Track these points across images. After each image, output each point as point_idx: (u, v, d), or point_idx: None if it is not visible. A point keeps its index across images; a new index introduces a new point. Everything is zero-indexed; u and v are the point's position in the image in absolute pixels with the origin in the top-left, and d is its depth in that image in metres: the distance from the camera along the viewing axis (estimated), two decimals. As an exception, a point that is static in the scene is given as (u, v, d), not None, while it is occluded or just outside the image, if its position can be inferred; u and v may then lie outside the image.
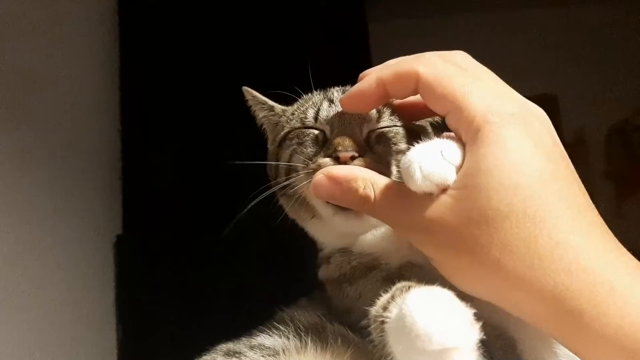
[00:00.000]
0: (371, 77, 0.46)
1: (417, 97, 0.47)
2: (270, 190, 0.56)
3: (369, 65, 0.50)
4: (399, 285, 0.44)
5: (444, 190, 0.41)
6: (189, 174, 1.53)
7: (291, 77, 0.61)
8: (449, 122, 0.43)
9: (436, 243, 0.42)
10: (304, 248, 0.65)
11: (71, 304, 1.32)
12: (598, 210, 0.41)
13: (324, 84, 0.63)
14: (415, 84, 0.44)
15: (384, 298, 0.44)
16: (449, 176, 0.40)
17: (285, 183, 0.55)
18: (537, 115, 0.43)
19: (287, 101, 0.64)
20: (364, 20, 1.68)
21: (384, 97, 0.47)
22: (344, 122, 0.54)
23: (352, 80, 0.54)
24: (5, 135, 1.17)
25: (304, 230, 0.62)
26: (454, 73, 0.43)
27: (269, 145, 0.65)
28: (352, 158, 0.50)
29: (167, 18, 1.59)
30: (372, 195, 0.44)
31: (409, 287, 0.42)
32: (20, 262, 1.17)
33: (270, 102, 0.65)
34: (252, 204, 0.54)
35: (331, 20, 1.61)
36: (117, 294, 1.48)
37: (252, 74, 0.65)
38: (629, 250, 0.40)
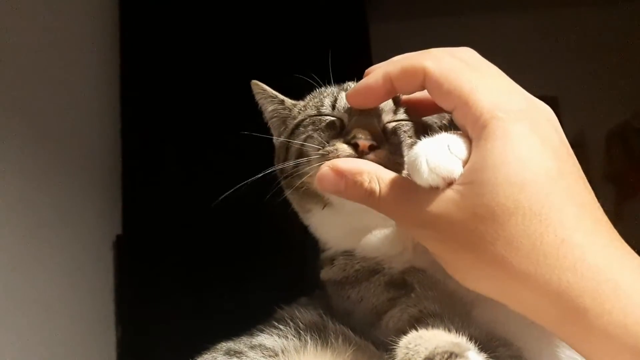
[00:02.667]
0: (378, 72, 0.46)
1: (423, 93, 0.47)
2: (272, 169, 0.56)
3: (370, 66, 0.49)
4: (437, 344, 0.41)
5: (449, 184, 0.41)
6: (189, 174, 1.53)
7: (291, 77, 0.60)
8: (456, 117, 0.43)
9: (441, 238, 0.41)
10: (304, 248, 0.65)
11: (71, 303, 1.32)
12: (600, 211, 0.41)
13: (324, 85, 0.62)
14: (422, 79, 0.43)
15: (419, 349, 0.41)
16: (456, 170, 0.40)
17: (296, 162, 0.54)
18: (544, 113, 0.43)
19: (293, 95, 0.64)
20: (365, 21, 1.68)
21: (390, 93, 0.47)
22: (362, 111, 0.53)
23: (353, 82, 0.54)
24: (5, 136, 1.17)
25: (307, 229, 0.61)
26: (461, 69, 0.42)
27: (274, 140, 0.65)
28: (371, 147, 0.49)
29: (166, 19, 1.59)
30: (377, 189, 0.44)
31: (450, 355, 0.40)
32: (19, 262, 1.17)
33: (281, 96, 0.64)
34: (253, 179, 0.53)
35: (332, 22, 1.61)
36: (117, 294, 1.48)
37: (251, 76, 0.65)
38: (630, 252, 0.39)
